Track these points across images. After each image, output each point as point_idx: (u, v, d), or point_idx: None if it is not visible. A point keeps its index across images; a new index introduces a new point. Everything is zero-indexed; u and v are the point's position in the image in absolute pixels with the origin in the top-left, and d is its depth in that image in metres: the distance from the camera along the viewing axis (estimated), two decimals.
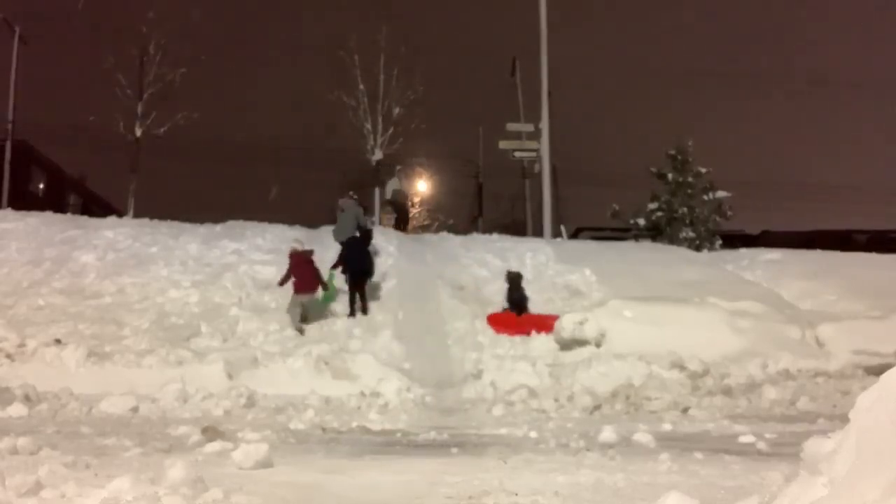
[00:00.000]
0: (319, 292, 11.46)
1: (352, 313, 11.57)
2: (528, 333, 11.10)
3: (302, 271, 11.27)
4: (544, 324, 11.11)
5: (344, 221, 12.27)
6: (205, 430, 6.11)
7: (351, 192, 13.23)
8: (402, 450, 5.92)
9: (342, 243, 12.07)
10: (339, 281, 11.96)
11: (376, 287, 12.42)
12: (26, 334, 9.79)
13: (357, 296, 11.68)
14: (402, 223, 17.21)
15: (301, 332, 10.92)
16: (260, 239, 13.90)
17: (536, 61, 21.26)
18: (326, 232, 13.31)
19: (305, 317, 11.24)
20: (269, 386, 8.90)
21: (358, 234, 12.08)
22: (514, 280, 12.20)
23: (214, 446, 5.42)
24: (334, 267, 11.84)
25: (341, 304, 11.76)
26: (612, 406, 8.67)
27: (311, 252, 11.60)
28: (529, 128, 22.14)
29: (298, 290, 11.19)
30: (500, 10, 63.98)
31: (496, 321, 11.55)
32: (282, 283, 11.48)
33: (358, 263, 11.80)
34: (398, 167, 20.22)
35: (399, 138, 21.89)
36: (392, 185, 17.77)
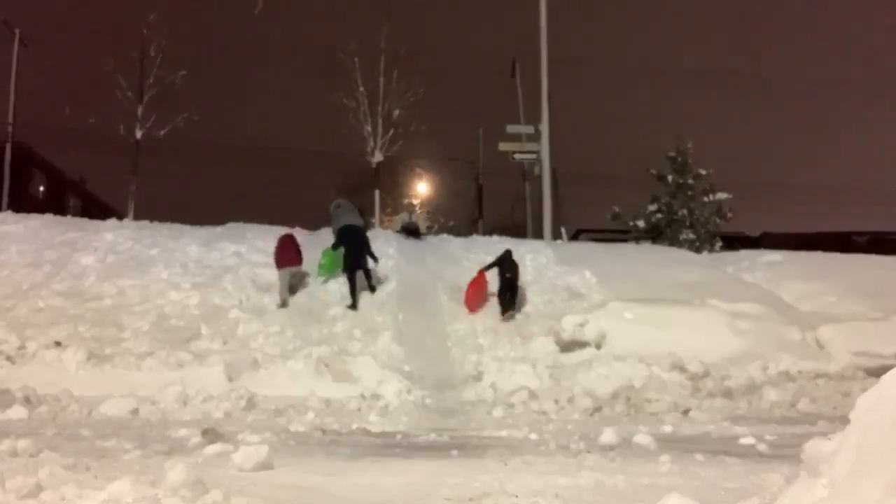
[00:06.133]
0: (303, 266, 12.39)
1: (353, 305, 11.66)
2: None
3: (285, 248, 12.31)
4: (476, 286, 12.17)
5: (344, 213, 12.64)
6: (205, 432, 6.11)
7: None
8: (402, 452, 5.92)
9: (342, 229, 12.32)
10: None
11: (376, 289, 12.41)
12: (26, 336, 9.79)
13: (357, 286, 11.86)
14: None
15: (285, 304, 11.72)
16: (260, 241, 13.89)
17: (536, 63, 21.28)
18: (326, 234, 13.32)
19: (291, 295, 11.95)
20: (269, 388, 8.90)
21: (359, 226, 12.51)
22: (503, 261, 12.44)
23: (215, 448, 5.42)
24: (334, 248, 12.39)
25: (340, 308, 11.76)
26: (612, 408, 8.66)
27: (292, 236, 12.74)
28: (529, 129, 22.13)
29: (282, 264, 12.09)
30: (500, 11, 64.11)
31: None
32: (277, 263, 12.29)
33: (355, 259, 12.04)
34: (407, 201, 20.42)
35: (399, 140, 21.85)
36: (402, 218, 17.88)
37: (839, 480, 2.31)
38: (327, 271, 12.50)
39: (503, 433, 6.88)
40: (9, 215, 14.99)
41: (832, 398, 9.11)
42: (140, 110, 20.05)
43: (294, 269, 12.18)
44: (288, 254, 12.22)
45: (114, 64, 20.08)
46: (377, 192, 21.82)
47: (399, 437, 6.77)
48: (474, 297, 12.12)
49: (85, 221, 15.27)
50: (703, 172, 22.83)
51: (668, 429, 7.18)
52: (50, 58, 54.24)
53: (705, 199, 22.71)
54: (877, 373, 7.10)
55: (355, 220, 12.64)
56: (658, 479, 4.57)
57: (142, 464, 4.90)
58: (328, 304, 11.91)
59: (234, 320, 11.04)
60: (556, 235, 21.00)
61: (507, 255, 12.44)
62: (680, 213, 22.42)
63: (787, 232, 25.34)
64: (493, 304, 12.10)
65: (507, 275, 12.04)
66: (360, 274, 12.07)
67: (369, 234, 13.58)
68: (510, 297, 11.95)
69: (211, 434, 6.06)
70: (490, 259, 12.65)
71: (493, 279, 12.30)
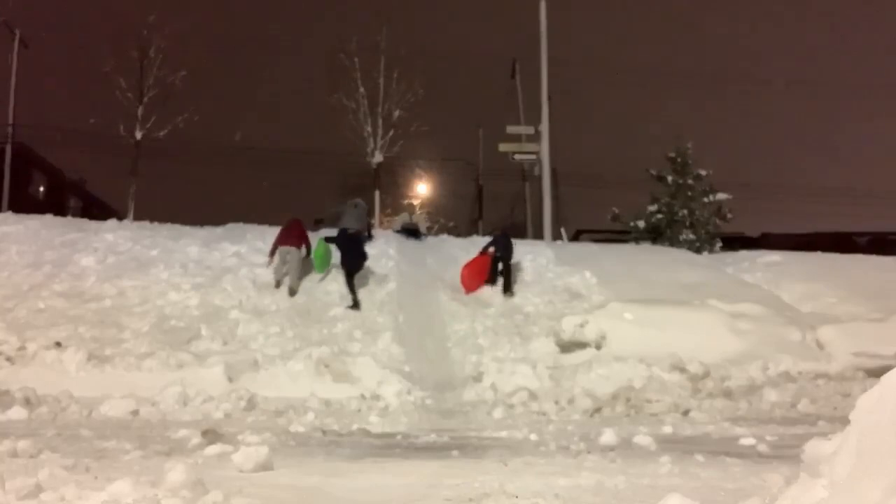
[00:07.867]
0: (303, 251, 12.47)
1: (354, 305, 11.73)
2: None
3: (289, 229, 12.55)
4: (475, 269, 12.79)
5: (346, 215, 12.61)
6: (205, 433, 6.11)
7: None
8: (402, 452, 5.92)
9: (342, 232, 12.28)
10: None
11: (376, 289, 12.41)
12: (26, 337, 9.78)
13: (356, 287, 11.95)
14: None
15: (278, 285, 12.03)
16: (260, 241, 13.88)
17: (536, 63, 21.32)
18: (326, 234, 13.30)
19: (294, 289, 12.03)
20: (269, 388, 8.90)
21: (359, 231, 12.47)
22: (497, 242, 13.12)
23: (214, 449, 5.42)
24: (327, 240, 12.53)
25: (340, 308, 11.76)
26: (612, 408, 8.66)
27: (299, 221, 12.97)
28: (529, 130, 22.14)
29: (282, 243, 12.34)
30: (500, 12, 64.14)
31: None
32: (272, 251, 12.49)
33: (350, 263, 12.09)
34: (407, 202, 20.48)
35: (399, 141, 21.87)
36: (402, 219, 17.85)
37: (839, 481, 2.30)
38: (320, 265, 12.54)
39: (503, 434, 6.87)
40: (9, 216, 14.99)
41: (832, 399, 9.11)
42: (140, 111, 20.06)
43: (287, 248, 12.25)
44: (290, 233, 12.47)
45: (114, 64, 20.12)
46: (377, 193, 21.82)
47: (399, 437, 6.77)
48: (468, 277, 12.75)
49: (85, 222, 15.24)
50: (703, 173, 22.82)
51: (668, 429, 7.17)
52: (50, 58, 54.27)
53: (705, 199, 22.70)
54: (877, 373, 7.09)
55: (353, 223, 12.52)
56: (658, 480, 4.56)
57: (142, 464, 4.90)
58: (328, 305, 11.91)
59: (234, 321, 11.04)
60: (556, 236, 21.02)
61: (502, 234, 13.54)
62: (680, 214, 22.40)
63: (787, 232, 25.39)
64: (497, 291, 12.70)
65: (497, 254, 12.87)
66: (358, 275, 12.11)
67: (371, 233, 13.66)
68: (504, 275, 12.72)
69: (211, 435, 6.05)
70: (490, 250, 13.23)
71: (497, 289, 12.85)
